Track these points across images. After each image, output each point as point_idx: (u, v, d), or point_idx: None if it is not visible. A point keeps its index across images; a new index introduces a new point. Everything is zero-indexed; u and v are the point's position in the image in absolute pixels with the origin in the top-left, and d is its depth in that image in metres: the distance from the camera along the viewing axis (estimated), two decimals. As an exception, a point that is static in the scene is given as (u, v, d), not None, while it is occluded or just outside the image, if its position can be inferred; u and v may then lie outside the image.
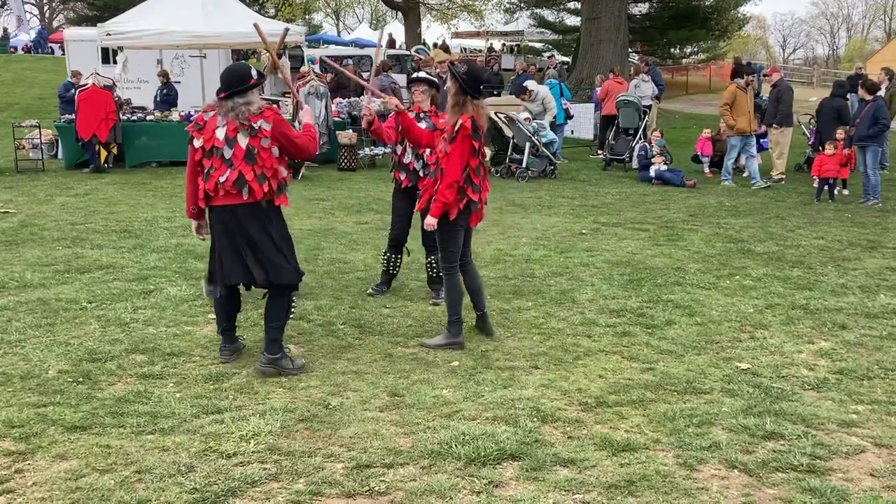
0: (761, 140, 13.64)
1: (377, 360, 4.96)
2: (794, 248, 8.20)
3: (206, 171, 4.63)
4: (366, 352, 5.11)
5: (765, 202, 11.07)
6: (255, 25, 6.18)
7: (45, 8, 57.50)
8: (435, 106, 6.06)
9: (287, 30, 7.48)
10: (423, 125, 5.83)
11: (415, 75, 6.50)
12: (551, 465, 3.65)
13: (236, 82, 4.56)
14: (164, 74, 15.76)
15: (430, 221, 5.12)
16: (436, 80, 6.17)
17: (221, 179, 4.55)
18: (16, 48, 37.39)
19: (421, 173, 5.96)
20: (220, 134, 4.58)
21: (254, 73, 4.65)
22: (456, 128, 4.99)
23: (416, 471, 3.60)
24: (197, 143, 4.66)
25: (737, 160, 13.20)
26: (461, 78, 5.02)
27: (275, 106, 4.72)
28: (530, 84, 14.63)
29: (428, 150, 5.82)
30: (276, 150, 4.62)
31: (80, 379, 4.59)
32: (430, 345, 5.21)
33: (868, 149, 10.88)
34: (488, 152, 13.78)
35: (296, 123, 6.14)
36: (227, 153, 4.56)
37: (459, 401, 4.35)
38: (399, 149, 6.10)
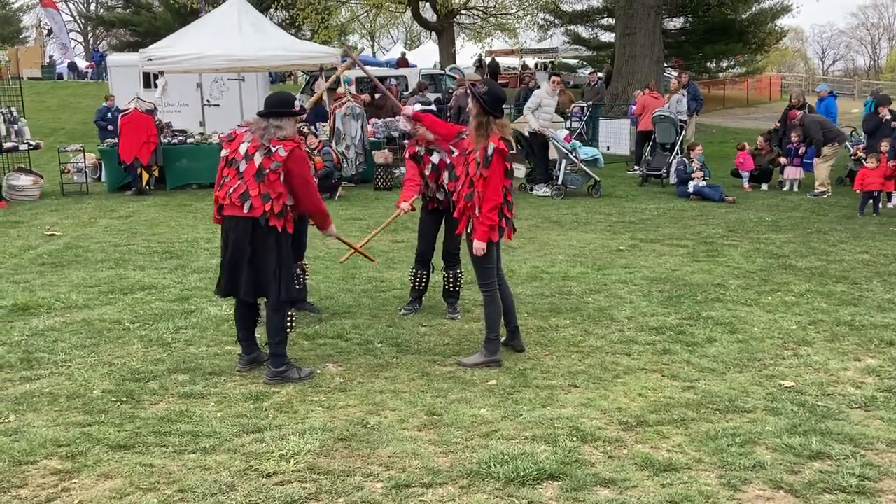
0: (804, 160, 13.43)
1: (414, 379, 4.97)
2: (837, 263, 8.04)
3: (222, 179, 4.90)
4: (403, 370, 5.12)
5: (806, 216, 10.88)
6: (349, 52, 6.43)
7: (90, 35, 59.04)
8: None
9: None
10: (435, 157, 5.94)
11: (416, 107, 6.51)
12: (592, 486, 3.61)
13: (279, 105, 4.84)
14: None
15: (479, 246, 5.09)
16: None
17: (231, 190, 4.80)
18: (62, 75, 38.43)
19: (439, 196, 6.05)
20: (243, 149, 4.85)
21: (297, 104, 4.93)
22: (489, 152, 4.98)
23: (455, 491, 3.58)
24: (223, 153, 4.96)
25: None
26: (482, 98, 5.02)
27: (300, 139, 4.93)
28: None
29: (446, 177, 5.88)
30: (282, 177, 4.75)
31: (124, 398, 4.67)
32: (467, 363, 5.20)
33: None
34: (524, 169, 13.84)
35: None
36: (242, 166, 4.81)
37: (498, 420, 4.33)
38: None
